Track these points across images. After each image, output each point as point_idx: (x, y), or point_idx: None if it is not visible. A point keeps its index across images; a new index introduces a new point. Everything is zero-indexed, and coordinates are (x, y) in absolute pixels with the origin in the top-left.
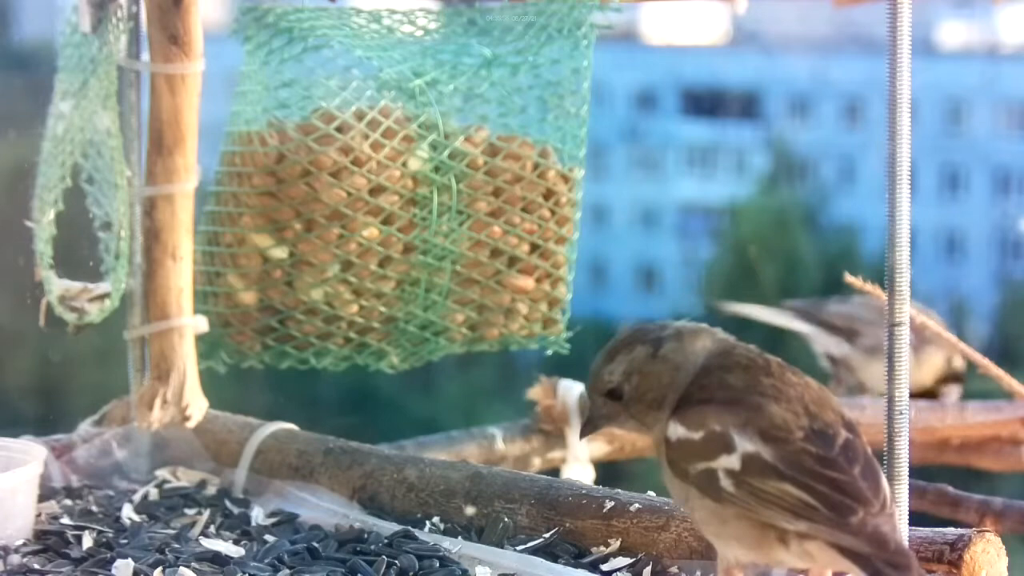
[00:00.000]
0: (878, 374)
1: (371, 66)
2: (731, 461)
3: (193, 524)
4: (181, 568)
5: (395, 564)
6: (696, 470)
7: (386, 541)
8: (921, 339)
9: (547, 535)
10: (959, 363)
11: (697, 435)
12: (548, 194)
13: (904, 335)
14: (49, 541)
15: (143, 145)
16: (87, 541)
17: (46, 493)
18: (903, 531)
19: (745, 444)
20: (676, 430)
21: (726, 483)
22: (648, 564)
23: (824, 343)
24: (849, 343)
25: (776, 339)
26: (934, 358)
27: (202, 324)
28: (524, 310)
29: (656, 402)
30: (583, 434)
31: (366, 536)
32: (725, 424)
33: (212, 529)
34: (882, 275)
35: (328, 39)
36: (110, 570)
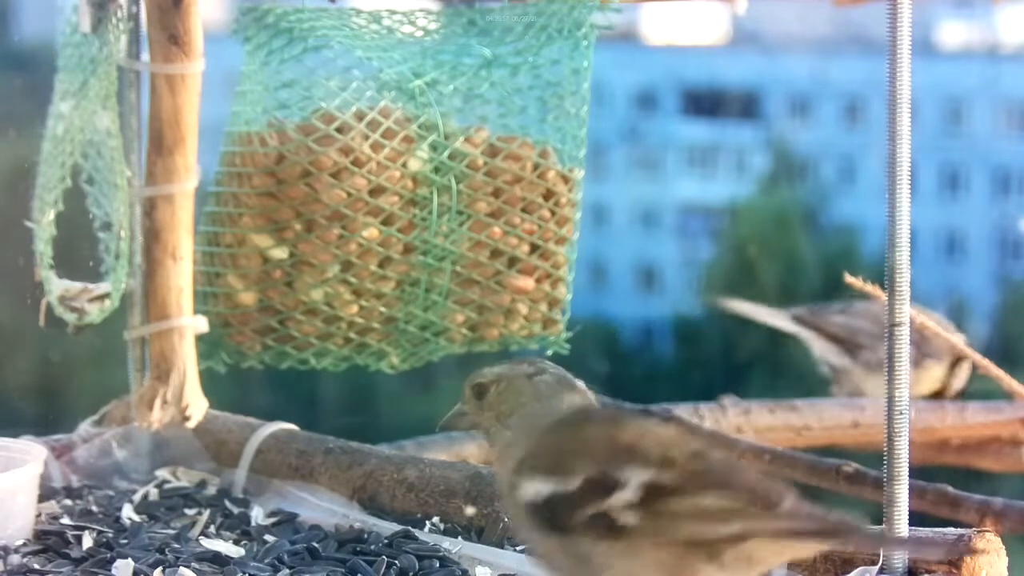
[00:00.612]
0: (877, 385)
1: (371, 67)
2: (625, 496)
3: (193, 524)
4: (181, 568)
5: (395, 564)
6: (583, 518)
7: (386, 541)
8: (922, 352)
9: None
10: (959, 380)
11: (572, 485)
12: (548, 194)
13: (904, 335)
14: (49, 541)
15: (143, 145)
16: (87, 541)
17: (46, 493)
18: (903, 531)
19: (636, 475)
20: (539, 488)
21: (627, 518)
22: None
23: (823, 350)
24: (850, 356)
25: (777, 341)
26: (933, 371)
27: (202, 324)
28: (524, 310)
29: (504, 416)
30: (441, 426)
31: (366, 536)
32: (599, 466)
33: (212, 529)
34: (882, 275)
35: (328, 39)
36: (110, 570)
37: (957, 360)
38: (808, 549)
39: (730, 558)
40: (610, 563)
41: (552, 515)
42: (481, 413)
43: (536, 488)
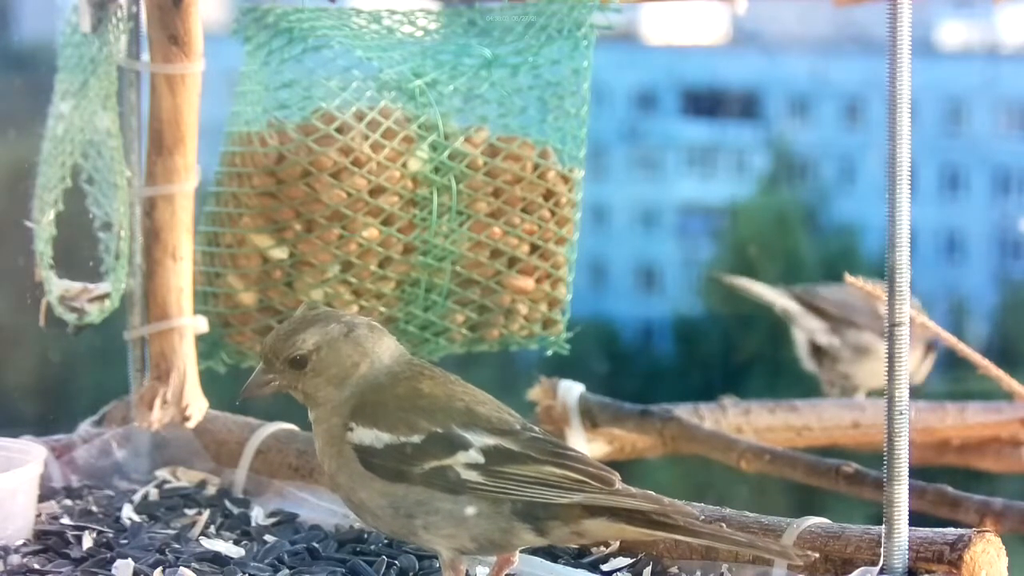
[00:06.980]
0: (866, 372)
1: (371, 67)
2: (471, 456)
3: (193, 524)
4: (181, 568)
5: (395, 564)
6: (423, 469)
7: (386, 541)
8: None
9: None
10: (924, 369)
11: (415, 438)
12: (548, 195)
13: (904, 335)
14: (49, 541)
15: (143, 145)
16: (87, 541)
17: (46, 493)
18: (903, 531)
19: (480, 439)
20: (378, 435)
21: (470, 475)
22: (648, 564)
23: (811, 328)
24: (839, 336)
25: (777, 341)
26: (913, 353)
27: (202, 324)
28: (524, 311)
29: (337, 379)
30: (245, 393)
31: (366, 536)
32: (445, 425)
33: (212, 529)
34: (882, 275)
35: (328, 40)
36: (110, 570)
37: (927, 351)
38: (636, 533)
39: (556, 530)
40: (440, 510)
41: (391, 463)
42: (300, 380)
43: (375, 435)
